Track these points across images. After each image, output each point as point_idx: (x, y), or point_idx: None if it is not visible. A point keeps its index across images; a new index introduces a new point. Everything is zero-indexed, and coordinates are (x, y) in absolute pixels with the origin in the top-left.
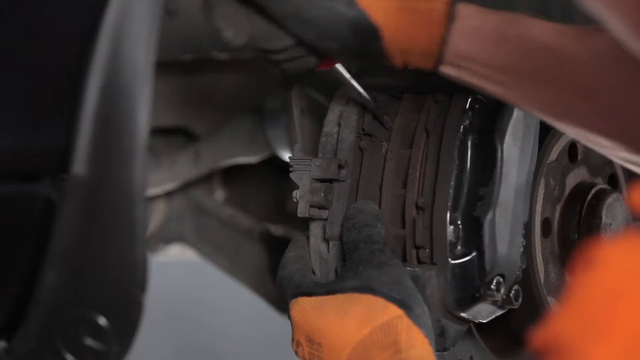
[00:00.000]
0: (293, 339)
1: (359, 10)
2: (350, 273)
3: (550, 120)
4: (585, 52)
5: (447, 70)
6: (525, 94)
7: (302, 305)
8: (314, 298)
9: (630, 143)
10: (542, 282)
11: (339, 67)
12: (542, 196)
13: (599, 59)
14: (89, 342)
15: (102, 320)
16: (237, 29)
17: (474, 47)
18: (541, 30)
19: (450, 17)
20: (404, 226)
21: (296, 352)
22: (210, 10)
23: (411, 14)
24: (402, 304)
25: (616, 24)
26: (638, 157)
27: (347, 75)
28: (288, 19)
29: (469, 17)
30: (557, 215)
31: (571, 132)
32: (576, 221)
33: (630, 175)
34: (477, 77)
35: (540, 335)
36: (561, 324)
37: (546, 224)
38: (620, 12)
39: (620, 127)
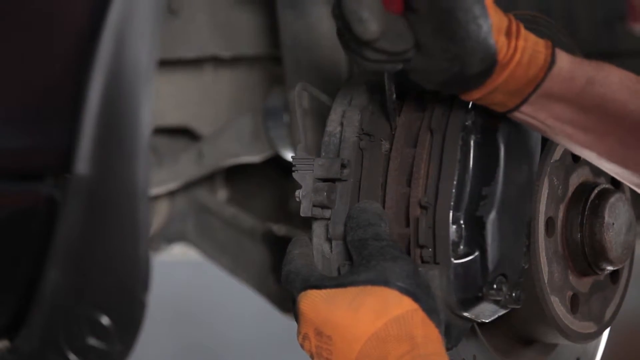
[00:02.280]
0: (299, 332)
1: (493, 42)
2: (362, 267)
3: (615, 169)
4: None
5: (524, 109)
6: (603, 134)
7: (312, 298)
8: (324, 291)
9: None
10: (546, 281)
11: (390, 76)
12: (545, 195)
13: None
14: (92, 341)
15: (105, 320)
16: (379, 20)
17: (564, 89)
18: (625, 76)
19: (551, 61)
20: (407, 225)
21: (302, 345)
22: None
23: (521, 54)
24: (416, 297)
25: None
26: None
27: (392, 85)
28: (440, 32)
29: (563, 60)
30: (560, 214)
31: (634, 179)
32: (579, 221)
33: None
34: (553, 119)
35: None
36: None
37: (550, 223)
38: None
39: None
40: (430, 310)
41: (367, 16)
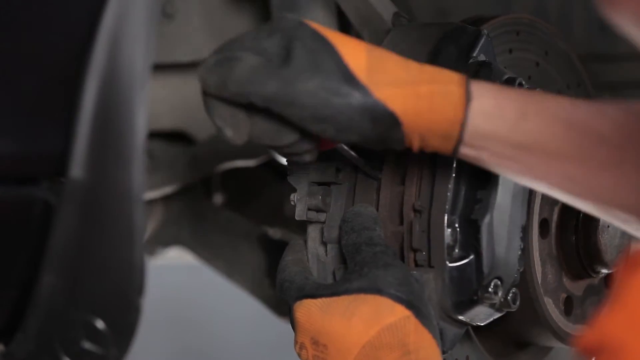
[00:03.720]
0: (296, 342)
1: (376, 101)
2: (355, 275)
3: (570, 199)
4: (607, 125)
5: (465, 151)
6: (548, 170)
7: (307, 307)
8: (319, 300)
9: None
10: (540, 282)
11: (343, 146)
12: (540, 197)
13: (621, 132)
14: (87, 345)
15: (100, 324)
16: (236, 129)
17: (494, 125)
18: (558, 105)
19: (467, 98)
20: (401, 223)
21: (299, 355)
22: (207, 109)
23: (428, 99)
24: (410, 304)
25: None
26: None
27: (351, 152)
28: (305, 121)
29: (485, 95)
30: (555, 216)
31: (591, 208)
32: (574, 223)
33: None
34: (496, 157)
35: (588, 336)
36: (609, 324)
37: (544, 225)
38: None
39: None
40: (423, 317)
41: (221, 123)
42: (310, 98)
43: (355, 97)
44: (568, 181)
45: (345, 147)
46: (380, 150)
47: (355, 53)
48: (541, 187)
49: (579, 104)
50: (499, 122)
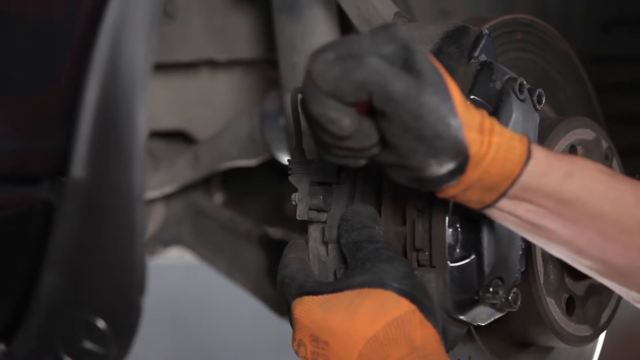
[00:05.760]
0: (294, 339)
1: (465, 141)
2: (357, 270)
3: (593, 260)
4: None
5: (502, 205)
6: (583, 227)
7: (308, 304)
8: (320, 297)
9: None
10: (542, 282)
11: None
12: None
13: None
14: (88, 344)
15: (101, 323)
16: (351, 118)
17: (541, 183)
18: (598, 169)
19: (528, 156)
20: (404, 223)
21: (296, 352)
22: (313, 101)
23: (495, 150)
24: (414, 298)
25: None
26: None
27: None
28: (408, 132)
29: (540, 156)
30: None
31: (612, 272)
32: None
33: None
34: (533, 212)
35: None
36: None
37: None
38: None
39: None
40: (427, 311)
41: (337, 115)
42: (429, 113)
43: (455, 129)
44: (602, 240)
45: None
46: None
47: (455, 88)
48: (571, 249)
49: (614, 172)
50: (546, 180)
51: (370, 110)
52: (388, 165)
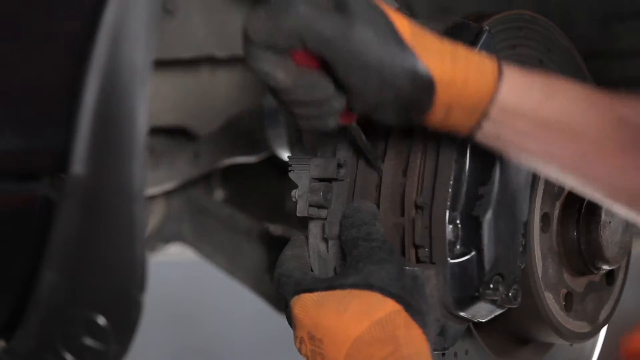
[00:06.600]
0: (295, 337)
1: (421, 64)
2: (351, 270)
3: (580, 182)
4: (628, 109)
5: (487, 127)
6: (566, 149)
7: (304, 302)
8: (315, 294)
9: None
10: (540, 276)
11: (356, 126)
12: (542, 191)
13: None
14: (88, 341)
15: (101, 320)
16: (286, 71)
17: (521, 101)
18: (581, 88)
19: (500, 73)
20: (403, 214)
21: (299, 350)
22: (252, 57)
23: (464, 71)
24: (400, 299)
25: None
26: None
27: (362, 135)
28: (352, 68)
29: (515, 74)
30: (556, 211)
31: (598, 192)
32: (575, 218)
33: None
34: (517, 134)
35: (633, 341)
36: None
37: (545, 219)
38: None
39: None
40: (414, 312)
41: (270, 68)
42: (365, 46)
43: (402, 57)
44: (584, 162)
45: (358, 128)
46: (396, 124)
47: (399, 18)
48: (554, 169)
49: (601, 90)
50: (526, 99)
51: (319, 63)
52: (361, 111)
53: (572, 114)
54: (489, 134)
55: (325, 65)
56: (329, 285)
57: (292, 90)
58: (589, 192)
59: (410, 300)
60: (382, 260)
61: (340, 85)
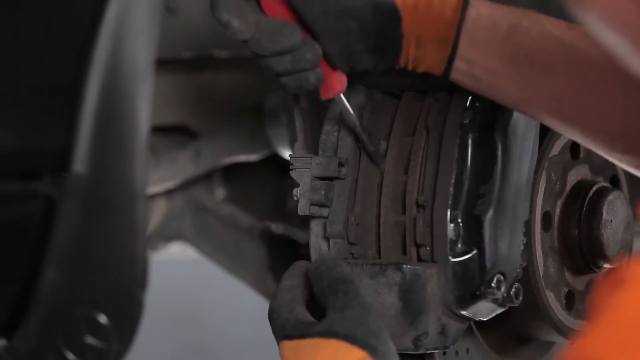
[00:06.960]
0: None
1: None
2: (326, 316)
3: (558, 124)
4: (597, 47)
5: (459, 66)
6: (537, 89)
7: (286, 350)
8: (294, 342)
9: (635, 143)
10: (541, 275)
11: (342, 96)
12: (543, 190)
13: (609, 56)
14: (90, 340)
15: (103, 319)
16: (244, 19)
17: (488, 34)
18: (550, 24)
19: (464, 2)
20: (404, 212)
21: None
22: (213, 4)
23: None
24: (365, 345)
25: (616, 41)
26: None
27: (347, 104)
28: (317, 10)
29: (480, 4)
30: (557, 210)
31: (577, 134)
32: (577, 217)
33: (632, 178)
34: (488, 73)
35: (572, 353)
36: (593, 341)
37: (546, 217)
38: (622, 28)
39: (626, 125)
40: (379, 355)
41: (227, 17)
42: None
43: None
44: (556, 102)
45: (343, 99)
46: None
47: None
48: (531, 111)
49: (571, 26)
50: (492, 32)
51: (289, 10)
52: (336, 61)
53: (540, 50)
54: (462, 71)
55: (296, 12)
56: (302, 333)
57: (258, 41)
58: (569, 135)
59: (375, 344)
60: (344, 305)
61: (309, 32)
